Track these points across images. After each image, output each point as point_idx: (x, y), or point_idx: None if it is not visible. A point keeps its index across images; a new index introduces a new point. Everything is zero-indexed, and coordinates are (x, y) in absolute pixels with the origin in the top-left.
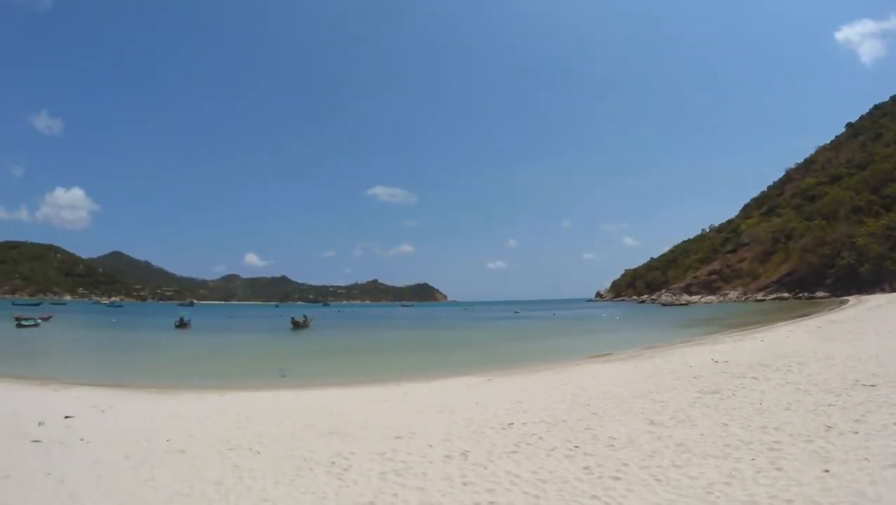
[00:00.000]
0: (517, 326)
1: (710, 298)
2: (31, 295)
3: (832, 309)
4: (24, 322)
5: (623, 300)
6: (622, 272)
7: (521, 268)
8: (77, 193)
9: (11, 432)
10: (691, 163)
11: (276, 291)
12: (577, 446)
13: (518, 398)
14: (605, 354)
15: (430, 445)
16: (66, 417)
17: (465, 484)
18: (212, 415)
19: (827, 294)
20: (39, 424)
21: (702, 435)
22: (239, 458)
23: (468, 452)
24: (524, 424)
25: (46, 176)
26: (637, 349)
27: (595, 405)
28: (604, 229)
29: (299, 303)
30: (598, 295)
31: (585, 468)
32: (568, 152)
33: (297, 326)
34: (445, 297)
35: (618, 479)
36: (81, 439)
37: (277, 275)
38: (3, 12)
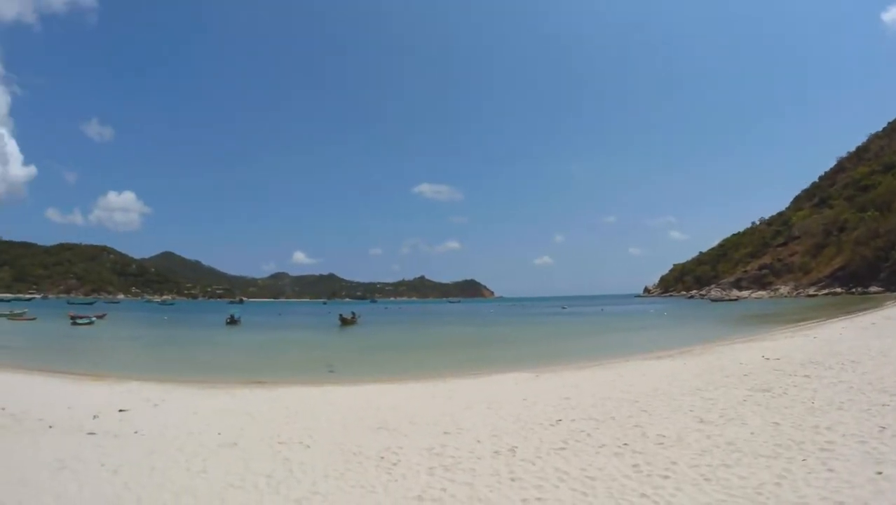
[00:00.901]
0: (564, 322)
1: (760, 293)
2: (86, 294)
3: (887, 305)
4: (79, 321)
5: (671, 296)
6: (670, 267)
7: (567, 263)
8: (129, 196)
9: (67, 425)
10: (739, 154)
11: (324, 288)
12: (625, 444)
13: (566, 394)
14: (654, 351)
15: (478, 441)
16: (121, 410)
17: (512, 480)
18: (262, 409)
19: (881, 289)
20: (94, 417)
21: (752, 434)
22: (289, 451)
23: (516, 448)
24: (572, 420)
25: (99, 181)
26: (686, 346)
27: (644, 402)
28: (649, 224)
29: (347, 300)
30: (646, 290)
31: (634, 466)
32: (612, 147)
33: (345, 322)
34: (492, 293)
35: (667, 477)
36: (135, 432)
37: (325, 272)
38: (53, 28)
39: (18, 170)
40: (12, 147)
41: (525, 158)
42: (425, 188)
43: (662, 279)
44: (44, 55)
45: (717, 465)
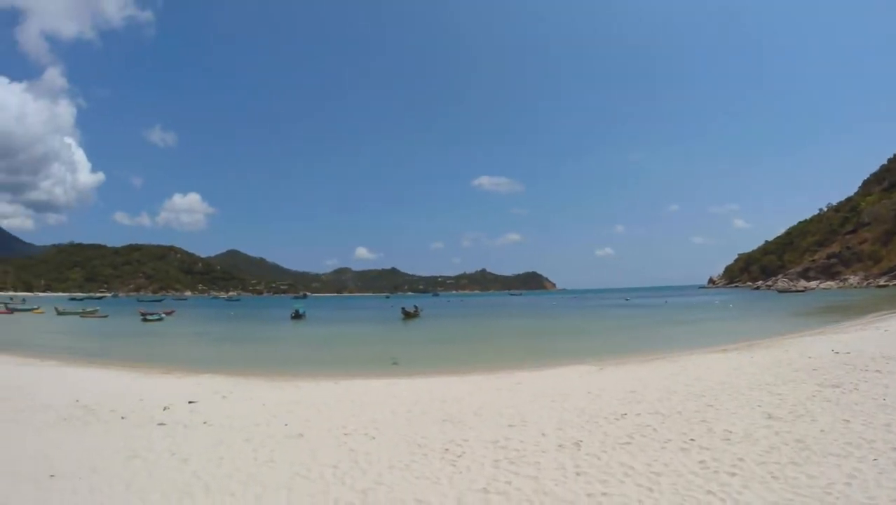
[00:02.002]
0: (628, 314)
1: (828, 283)
2: (155, 292)
3: None
4: (149, 317)
5: (737, 286)
6: (735, 257)
7: (629, 254)
8: (193, 198)
9: (139, 416)
10: (804, 137)
11: (386, 282)
12: (692, 439)
13: (631, 388)
14: (720, 344)
15: (543, 434)
16: (190, 402)
17: (578, 474)
18: (328, 401)
19: None
20: (164, 408)
21: (822, 431)
22: (355, 442)
23: (581, 441)
24: (638, 414)
25: (164, 184)
26: (753, 338)
27: (710, 397)
28: (713, 212)
29: (409, 294)
30: (711, 281)
31: (701, 462)
32: (674, 135)
33: (407, 316)
34: (554, 285)
35: (734, 474)
36: (204, 423)
37: (387, 267)
38: (112, 43)
39: (87, 177)
40: (80, 156)
41: (585, 148)
42: (484, 181)
43: (727, 269)
44: (105, 68)
45: (786, 463)
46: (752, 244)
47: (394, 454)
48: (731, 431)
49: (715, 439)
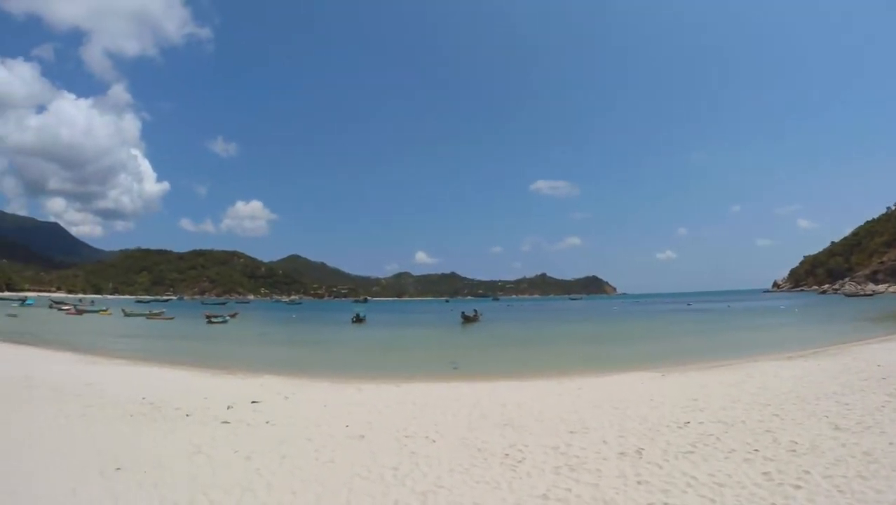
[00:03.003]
0: (690, 319)
1: None
2: (219, 295)
3: None
4: (213, 319)
5: (802, 290)
6: (800, 259)
7: (691, 257)
8: (256, 205)
9: (203, 414)
10: (871, 134)
11: (446, 286)
12: (756, 450)
13: (694, 395)
14: (785, 351)
15: (605, 442)
16: (253, 402)
17: (639, 483)
18: (389, 404)
19: None
20: (228, 407)
21: (891, 444)
22: (415, 445)
23: (643, 450)
24: (700, 423)
25: (227, 192)
26: (820, 345)
27: (776, 406)
28: (777, 212)
29: (469, 298)
30: (775, 285)
31: (765, 474)
32: (736, 133)
33: (467, 320)
34: (615, 289)
35: (799, 487)
36: (267, 422)
37: (447, 271)
38: (173, 59)
39: (153, 186)
40: (146, 166)
41: (643, 149)
42: (542, 185)
43: (792, 272)
44: (168, 83)
45: (853, 476)
46: (817, 246)
47: (454, 458)
48: (796, 442)
49: (780, 450)
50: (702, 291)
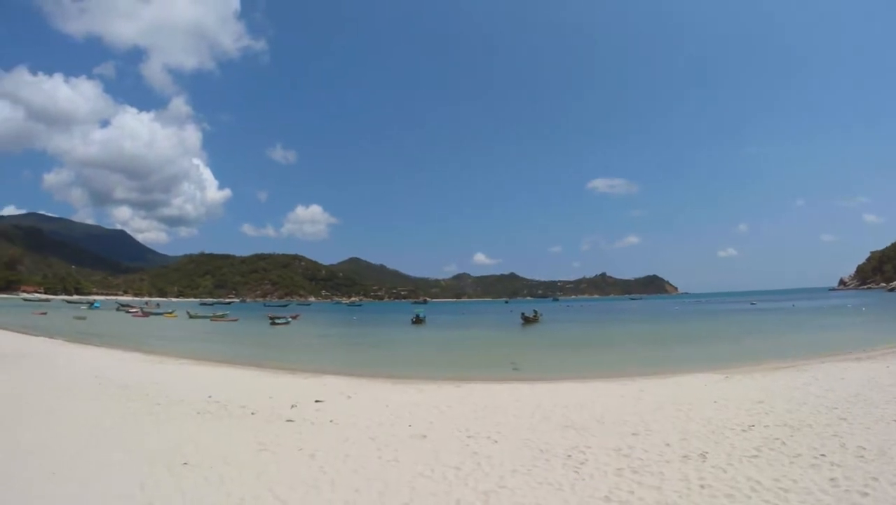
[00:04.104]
0: (754, 319)
1: None
2: (280, 298)
3: None
4: (277, 321)
5: (869, 288)
6: (867, 255)
7: (753, 254)
8: (315, 209)
9: (268, 413)
10: None
11: (505, 287)
12: (822, 455)
13: (759, 398)
14: (853, 351)
15: (668, 444)
16: (317, 401)
17: (702, 487)
18: (451, 404)
19: None
20: (292, 406)
21: None
22: (477, 445)
23: (707, 453)
24: (766, 426)
25: (287, 197)
26: (889, 346)
27: (843, 409)
28: (841, 206)
29: (528, 298)
30: (842, 282)
31: (832, 480)
32: (796, 124)
33: (527, 320)
34: (676, 288)
35: (866, 494)
36: (330, 421)
37: (506, 272)
38: (230, 71)
39: (215, 193)
40: (208, 175)
41: (701, 144)
42: (599, 183)
43: (859, 269)
44: (226, 95)
45: None
46: (884, 241)
47: (516, 458)
48: (864, 448)
49: (847, 456)
50: (765, 290)
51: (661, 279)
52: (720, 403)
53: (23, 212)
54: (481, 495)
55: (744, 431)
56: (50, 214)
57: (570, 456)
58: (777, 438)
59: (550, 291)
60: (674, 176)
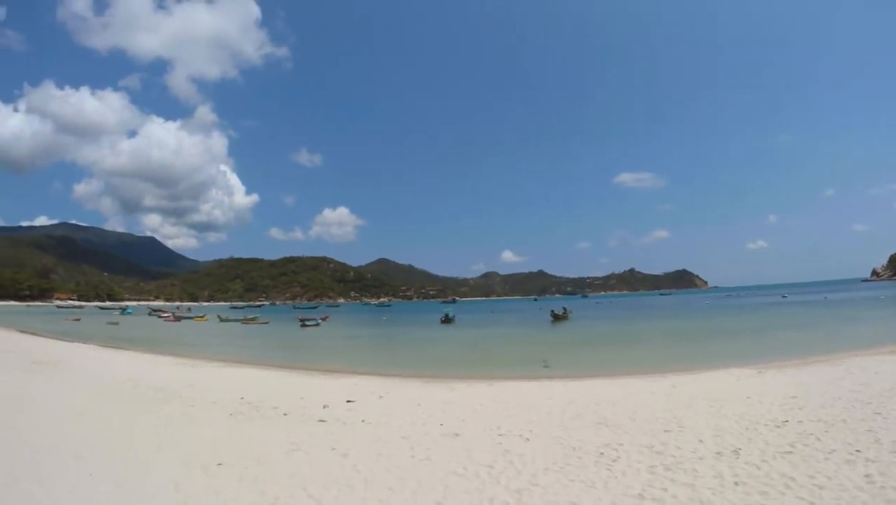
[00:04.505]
0: (786, 313)
1: None
2: (310, 300)
3: None
4: (307, 322)
5: None
6: None
7: (783, 246)
8: (342, 212)
9: (300, 414)
10: None
11: (534, 285)
12: (858, 451)
13: (792, 393)
14: (888, 344)
15: (700, 441)
16: (348, 401)
17: (736, 484)
18: (483, 402)
19: None
20: (324, 407)
21: None
22: (510, 443)
23: (740, 449)
24: (799, 421)
25: (314, 201)
26: None
27: (878, 404)
28: (873, 194)
29: (557, 296)
30: (874, 273)
31: (867, 476)
32: (826, 112)
33: (556, 318)
34: (706, 283)
35: None
36: (362, 421)
37: (534, 269)
38: (253, 78)
39: (243, 198)
40: (235, 180)
41: (729, 135)
42: (626, 177)
43: (892, 259)
44: (250, 102)
45: None
46: None
47: (549, 456)
48: None
49: (882, 452)
50: (797, 283)
51: (691, 273)
52: (753, 399)
53: (55, 222)
54: (514, 493)
55: (777, 426)
56: (81, 224)
57: (602, 453)
58: (811, 434)
59: (579, 287)
60: (701, 168)
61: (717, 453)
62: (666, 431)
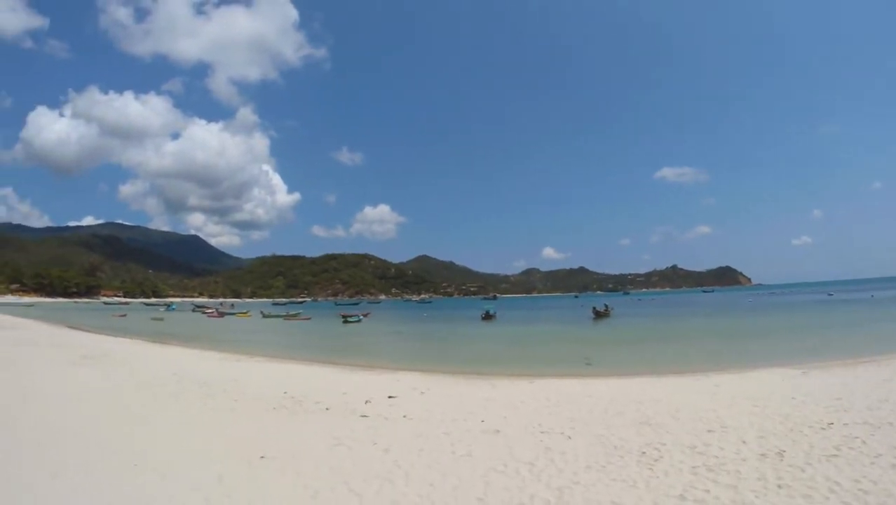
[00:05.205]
0: (831, 311)
1: None
2: (351, 296)
3: None
4: (349, 319)
5: None
6: None
7: (829, 242)
8: (383, 209)
9: (342, 409)
10: None
11: (575, 281)
12: None
13: (838, 394)
14: None
15: (744, 442)
16: (390, 396)
17: (779, 487)
18: (524, 399)
19: None
20: (366, 402)
21: None
22: (551, 440)
23: (784, 451)
24: (845, 424)
25: (355, 198)
26: None
27: None
28: None
29: (598, 293)
30: None
31: None
32: (872, 101)
33: (598, 315)
34: (749, 280)
35: None
36: (404, 416)
37: (575, 266)
38: (293, 79)
39: (285, 197)
40: (277, 180)
41: (773, 127)
42: (667, 172)
43: None
44: (290, 102)
45: None
46: None
47: (590, 454)
48: None
49: None
50: (842, 280)
51: (735, 270)
52: (797, 400)
53: (101, 221)
54: (555, 491)
55: (822, 428)
56: (127, 223)
57: (644, 453)
58: (857, 437)
59: (621, 284)
60: (744, 162)
61: (761, 455)
62: (709, 431)
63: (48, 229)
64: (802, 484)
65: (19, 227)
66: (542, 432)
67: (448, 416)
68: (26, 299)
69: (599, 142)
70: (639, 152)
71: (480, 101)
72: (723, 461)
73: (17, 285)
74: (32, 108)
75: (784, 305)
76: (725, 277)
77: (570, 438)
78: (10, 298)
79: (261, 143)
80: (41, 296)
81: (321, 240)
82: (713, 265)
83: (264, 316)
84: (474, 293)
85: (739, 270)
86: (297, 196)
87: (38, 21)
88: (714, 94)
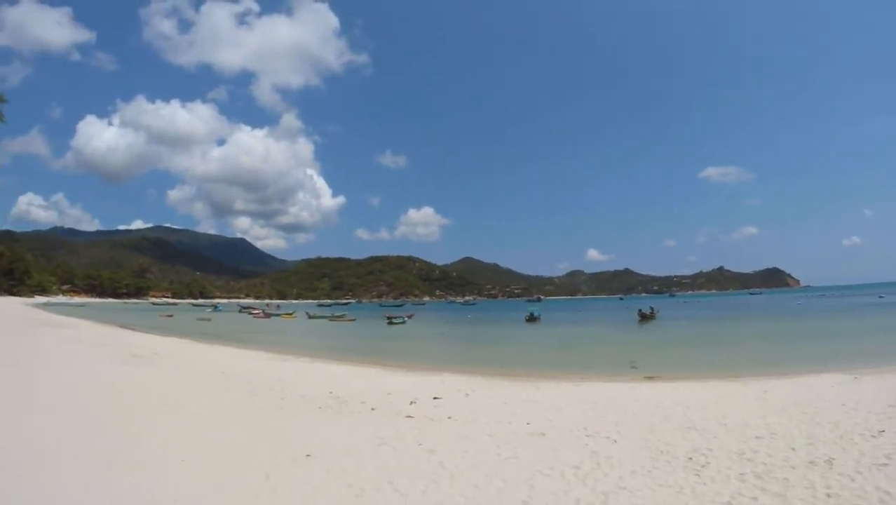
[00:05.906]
0: (882, 314)
1: None
2: (395, 298)
3: None
4: (394, 320)
5: None
6: None
7: (880, 242)
8: (427, 212)
9: (387, 409)
10: None
11: (620, 283)
12: None
13: (890, 401)
14: None
15: (793, 449)
16: (435, 398)
17: (828, 496)
18: (570, 402)
19: None
20: (411, 403)
21: None
22: (596, 444)
23: (834, 460)
24: None
25: (399, 201)
26: None
27: None
28: None
29: (643, 295)
30: None
31: None
32: None
33: (644, 317)
34: (797, 281)
35: None
36: (448, 418)
37: (620, 268)
38: (335, 85)
39: (329, 201)
40: (321, 183)
41: (819, 122)
42: (711, 172)
43: None
44: (334, 108)
45: None
46: None
47: (636, 459)
48: None
49: None
50: (894, 281)
51: (782, 272)
52: (848, 407)
53: (150, 225)
54: (600, 496)
55: (873, 436)
56: (175, 227)
57: (691, 458)
58: None
59: (666, 286)
60: (790, 160)
61: (810, 463)
62: (757, 437)
63: (99, 233)
64: (852, 493)
65: (71, 230)
66: (587, 436)
67: (493, 417)
68: (77, 300)
69: (643, 142)
70: (683, 152)
71: (523, 103)
72: (771, 468)
73: (69, 286)
74: (82, 118)
75: (833, 308)
76: (773, 279)
77: (615, 441)
78: (61, 298)
79: (305, 148)
80: (92, 296)
81: (365, 242)
82: (760, 266)
83: (310, 317)
84: (518, 295)
85: (787, 271)
86: (341, 199)
87: (84, 35)
88: (758, 93)
